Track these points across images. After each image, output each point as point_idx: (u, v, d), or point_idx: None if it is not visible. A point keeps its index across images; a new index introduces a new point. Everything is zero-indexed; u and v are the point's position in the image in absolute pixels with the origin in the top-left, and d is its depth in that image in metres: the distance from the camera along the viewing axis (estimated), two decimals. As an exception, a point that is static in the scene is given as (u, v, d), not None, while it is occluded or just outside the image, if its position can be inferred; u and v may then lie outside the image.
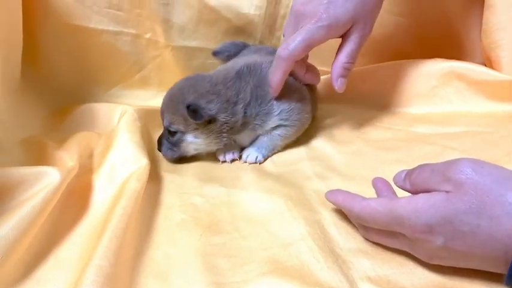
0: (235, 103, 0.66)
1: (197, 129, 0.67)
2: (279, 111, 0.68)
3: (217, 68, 0.74)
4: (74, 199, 0.56)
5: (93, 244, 0.45)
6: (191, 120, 0.65)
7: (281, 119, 0.69)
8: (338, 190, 0.50)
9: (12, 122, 0.68)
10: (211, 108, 0.65)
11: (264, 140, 0.70)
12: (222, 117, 0.66)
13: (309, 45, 0.64)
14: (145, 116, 0.77)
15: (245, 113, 0.67)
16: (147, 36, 0.88)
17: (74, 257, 0.47)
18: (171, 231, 0.52)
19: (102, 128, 0.76)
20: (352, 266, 0.44)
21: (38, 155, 0.65)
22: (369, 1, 0.65)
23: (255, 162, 0.68)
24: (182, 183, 0.63)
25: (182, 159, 0.70)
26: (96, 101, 0.88)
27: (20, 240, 0.44)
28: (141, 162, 0.60)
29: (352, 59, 0.67)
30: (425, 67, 0.80)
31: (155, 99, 0.92)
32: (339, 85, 0.67)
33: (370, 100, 0.83)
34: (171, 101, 0.68)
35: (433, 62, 0.79)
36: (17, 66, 0.75)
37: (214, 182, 0.62)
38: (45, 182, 0.51)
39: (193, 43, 0.88)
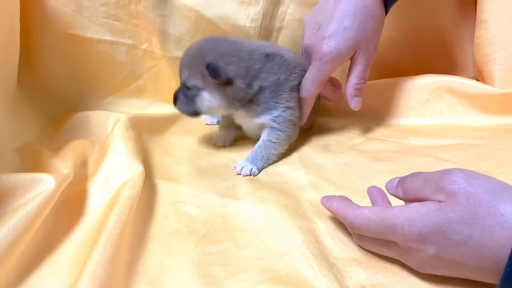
0: (255, 77, 0.69)
1: (214, 87, 0.68)
2: (277, 114, 0.71)
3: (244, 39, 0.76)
4: (69, 206, 0.56)
5: (88, 251, 0.45)
6: (209, 78, 0.67)
7: (274, 121, 0.71)
8: (333, 196, 0.50)
9: (8, 130, 0.69)
10: (230, 69, 0.67)
11: (257, 151, 0.71)
12: (239, 82, 0.68)
13: (321, 81, 0.72)
14: (139, 123, 0.78)
15: (258, 92, 0.70)
16: (144, 46, 0.89)
17: (67, 264, 0.47)
18: (166, 240, 0.52)
19: (96, 136, 0.77)
20: (346, 275, 0.44)
21: (33, 163, 0.65)
22: (368, 27, 0.68)
23: (250, 175, 0.68)
24: (177, 192, 0.62)
25: (196, 114, 0.72)
26: (91, 110, 0.88)
27: (14, 246, 0.44)
28: (136, 170, 0.60)
29: (362, 80, 0.72)
30: (418, 82, 0.81)
31: (150, 108, 0.93)
32: (354, 104, 0.73)
33: (364, 113, 0.83)
34: (191, 56, 0.69)
35: (425, 76, 0.81)
36: (14, 74, 0.76)
37: (209, 192, 0.62)
38: (40, 188, 0.51)
39: (189, 54, 0.89)
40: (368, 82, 0.84)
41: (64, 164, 0.64)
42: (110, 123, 0.76)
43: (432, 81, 0.80)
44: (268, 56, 0.70)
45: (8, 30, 0.72)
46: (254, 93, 0.69)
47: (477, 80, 0.83)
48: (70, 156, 0.65)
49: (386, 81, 0.84)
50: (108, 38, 0.86)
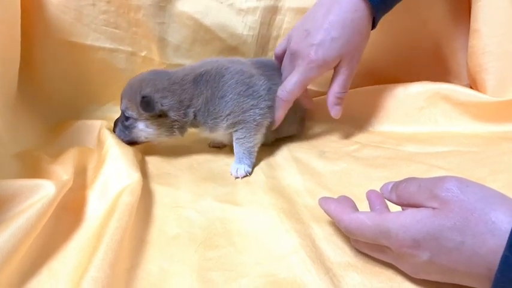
0: (188, 106, 0.71)
1: (148, 119, 0.71)
2: (226, 116, 0.71)
3: (184, 66, 0.78)
4: (68, 212, 0.56)
5: (88, 256, 0.46)
6: (142, 111, 0.70)
7: (229, 123, 0.72)
8: (331, 199, 0.51)
9: (8, 136, 0.69)
10: (164, 103, 0.70)
11: (237, 151, 0.73)
12: (172, 115, 0.71)
13: (304, 85, 0.74)
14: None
15: (195, 117, 0.72)
16: (143, 54, 0.90)
17: (68, 269, 0.47)
18: (166, 245, 0.52)
19: (96, 143, 0.77)
20: (342, 279, 0.45)
21: (32, 169, 0.65)
22: (353, 40, 0.72)
23: (246, 175, 0.70)
24: (176, 197, 0.63)
25: (134, 143, 0.75)
26: (90, 116, 0.90)
27: (14, 252, 0.44)
28: (134, 177, 0.61)
29: (344, 89, 0.74)
30: (413, 89, 0.82)
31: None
32: (334, 112, 0.76)
33: (359, 120, 0.85)
34: (130, 88, 0.72)
35: (420, 84, 0.82)
36: (14, 81, 0.76)
37: (208, 197, 0.63)
38: (40, 194, 0.51)
39: (187, 62, 0.89)
40: (363, 89, 0.85)
41: (64, 171, 0.64)
42: (107, 132, 0.75)
43: (426, 89, 0.81)
44: (196, 79, 0.72)
45: (9, 38, 0.73)
46: (191, 120, 0.72)
47: (471, 88, 0.84)
48: (70, 163, 0.66)
49: (381, 88, 0.85)
50: (108, 45, 0.87)
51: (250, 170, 0.71)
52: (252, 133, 0.72)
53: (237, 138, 0.73)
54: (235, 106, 0.71)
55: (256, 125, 0.72)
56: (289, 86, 0.73)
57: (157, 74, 0.73)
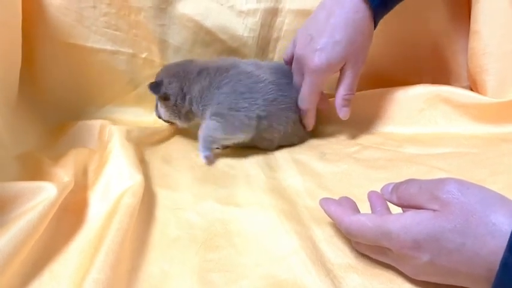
0: (187, 92, 0.78)
1: (159, 101, 0.81)
2: (214, 105, 0.75)
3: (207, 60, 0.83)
4: (70, 214, 0.56)
5: (89, 258, 0.46)
6: (150, 92, 0.79)
7: (213, 114, 0.75)
8: (332, 200, 0.51)
9: (9, 138, 0.69)
10: (168, 88, 0.78)
11: (200, 136, 0.75)
12: (172, 99, 0.79)
13: (317, 92, 0.76)
14: (139, 132, 0.79)
15: (191, 104, 0.78)
16: (143, 55, 0.90)
17: (69, 271, 0.47)
18: (167, 247, 0.52)
19: (96, 144, 0.77)
20: (343, 280, 0.45)
21: (33, 171, 0.65)
22: (356, 41, 0.72)
23: (205, 160, 0.74)
24: (177, 199, 0.63)
25: (161, 118, 0.85)
26: (90, 117, 0.89)
27: (15, 255, 0.44)
28: (136, 179, 0.60)
29: (351, 91, 0.75)
30: (412, 91, 0.82)
31: (149, 116, 0.93)
32: (342, 114, 0.77)
33: (360, 122, 0.85)
34: (159, 72, 0.82)
35: (420, 86, 0.82)
36: (15, 83, 0.76)
37: (209, 199, 0.63)
38: (42, 196, 0.51)
39: (188, 63, 0.90)
40: (364, 92, 0.85)
41: (65, 172, 0.64)
42: (111, 133, 0.76)
43: (427, 91, 0.81)
44: (201, 71, 0.77)
45: (10, 40, 0.73)
46: (189, 107, 0.78)
47: (471, 89, 0.84)
48: (71, 165, 0.66)
49: (381, 91, 0.85)
50: (109, 47, 0.87)
51: (202, 155, 0.74)
52: (218, 126, 0.74)
53: (207, 122, 0.75)
54: (225, 100, 0.74)
55: (229, 125, 0.74)
56: (304, 98, 0.77)
57: (182, 63, 0.82)
